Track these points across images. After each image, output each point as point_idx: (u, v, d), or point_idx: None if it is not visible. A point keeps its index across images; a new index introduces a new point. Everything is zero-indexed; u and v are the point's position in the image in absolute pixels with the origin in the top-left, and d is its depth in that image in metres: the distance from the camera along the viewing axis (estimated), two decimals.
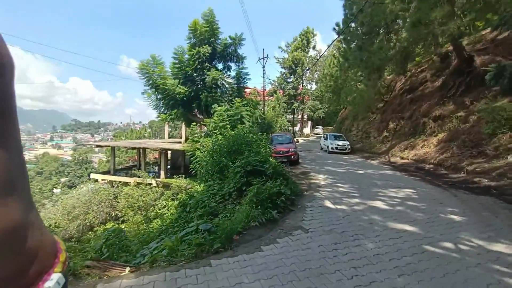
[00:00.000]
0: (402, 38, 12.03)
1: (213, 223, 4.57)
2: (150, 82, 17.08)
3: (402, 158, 13.96)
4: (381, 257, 3.44)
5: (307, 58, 42.93)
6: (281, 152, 12.21)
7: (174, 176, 17.30)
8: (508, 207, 5.57)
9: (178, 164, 23.33)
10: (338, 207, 5.70)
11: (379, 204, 5.88)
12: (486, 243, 3.83)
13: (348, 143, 17.71)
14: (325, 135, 20.00)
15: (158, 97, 17.44)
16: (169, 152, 21.75)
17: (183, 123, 20.63)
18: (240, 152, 9.19)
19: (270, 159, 8.75)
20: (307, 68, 43.04)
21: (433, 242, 3.88)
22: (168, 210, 12.00)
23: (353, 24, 15.80)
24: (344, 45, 18.65)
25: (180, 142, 21.68)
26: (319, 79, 42.01)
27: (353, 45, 16.17)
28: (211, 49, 17.25)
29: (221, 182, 8.08)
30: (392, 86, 19.69)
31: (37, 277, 0.41)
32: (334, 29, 17.37)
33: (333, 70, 29.50)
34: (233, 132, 10.39)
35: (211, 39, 17.53)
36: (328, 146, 17.77)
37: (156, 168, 23.91)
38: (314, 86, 46.84)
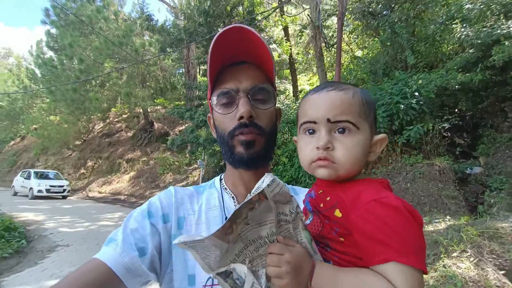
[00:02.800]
0: (114, 92, 15.21)
1: None
2: None
3: (100, 192, 15.92)
4: None
5: None
6: None
7: None
8: None
9: None
10: (81, 229, 6.79)
11: (106, 222, 7.85)
12: None
13: (68, 183, 14.30)
14: (25, 173, 14.45)
15: None
16: None
17: None
18: None
19: None
20: None
21: None
22: None
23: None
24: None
25: None
26: None
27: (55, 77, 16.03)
28: None
29: None
30: (90, 128, 21.34)
31: None
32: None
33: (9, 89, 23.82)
34: None
35: None
36: (32, 189, 12.91)
37: None
38: None
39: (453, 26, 5.93)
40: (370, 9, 7.48)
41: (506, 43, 5.14)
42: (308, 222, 0.56)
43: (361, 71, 7.88)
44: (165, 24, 14.95)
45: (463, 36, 5.54)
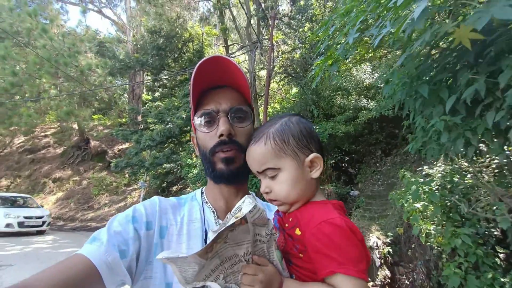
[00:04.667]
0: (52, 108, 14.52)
1: None
2: None
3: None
4: None
5: None
6: None
7: None
8: None
9: None
10: (15, 251, 6.80)
11: (41, 245, 7.87)
12: None
13: (48, 213, 10.38)
14: None
15: None
16: None
17: None
18: None
19: None
20: None
21: None
22: None
23: None
24: None
25: None
26: None
27: None
28: None
29: None
30: (7, 142, 18.88)
31: None
32: None
33: None
34: None
35: None
36: None
37: None
38: None
39: (336, 95, 8.90)
40: (290, 71, 10.17)
41: (364, 112, 8.12)
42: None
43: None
44: (115, 46, 15.42)
45: (341, 103, 8.44)
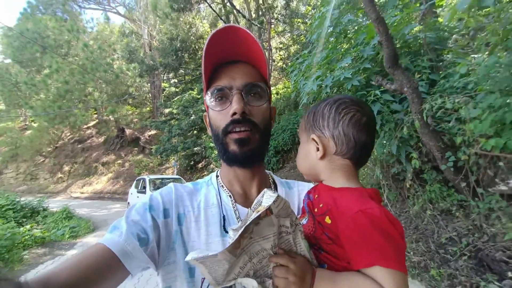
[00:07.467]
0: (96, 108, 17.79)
1: None
2: None
3: (82, 193, 18.39)
4: None
5: None
6: None
7: None
8: None
9: None
10: (104, 213, 10.31)
11: (116, 209, 11.41)
12: None
13: None
14: (139, 182, 9.97)
15: None
16: None
17: None
18: None
19: None
20: None
21: None
22: None
23: None
24: None
25: None
26: None
27: None
28: None
29: None
30: (59, 135, 22.81)
31: None
32: None
33: None
34: None
35: None
36: None
37: None
38: None
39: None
40: (286, 65, 12.42)
41: None
42: (304, 222, 0.61)
43: (282, 104, 12.86)
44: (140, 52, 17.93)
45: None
